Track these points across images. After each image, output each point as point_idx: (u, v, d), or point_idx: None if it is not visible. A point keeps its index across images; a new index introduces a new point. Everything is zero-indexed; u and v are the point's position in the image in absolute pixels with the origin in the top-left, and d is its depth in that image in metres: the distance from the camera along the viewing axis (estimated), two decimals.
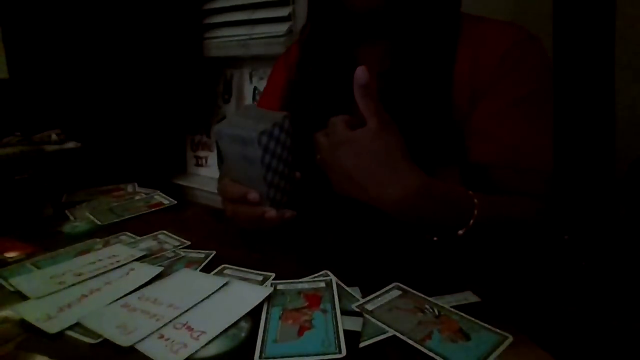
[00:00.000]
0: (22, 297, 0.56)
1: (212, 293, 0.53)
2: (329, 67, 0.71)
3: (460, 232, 0.56)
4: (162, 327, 0.47)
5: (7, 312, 0.53)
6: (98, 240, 0.74)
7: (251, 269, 0.60)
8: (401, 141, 0.54)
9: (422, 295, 0.52)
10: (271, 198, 0.62)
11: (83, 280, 0.58)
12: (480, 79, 0.63)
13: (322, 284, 0.55)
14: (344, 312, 0.49)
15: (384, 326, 0.46)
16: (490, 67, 0.63)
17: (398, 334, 0.45)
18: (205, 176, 1.63)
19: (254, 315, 0.49)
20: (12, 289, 0.58)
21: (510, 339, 0.44)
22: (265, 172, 0.59)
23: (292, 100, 0.75)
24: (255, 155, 0.58)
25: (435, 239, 0.58)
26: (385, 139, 0.52)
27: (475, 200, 0.56)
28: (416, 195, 0.52)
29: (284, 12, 1.28)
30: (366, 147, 0.52)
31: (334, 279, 0.55)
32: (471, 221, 0.55)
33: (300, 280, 0.56)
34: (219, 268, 0.61)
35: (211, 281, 0.56)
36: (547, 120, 0.60)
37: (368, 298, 0.52)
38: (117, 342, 0.45)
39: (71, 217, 0.87)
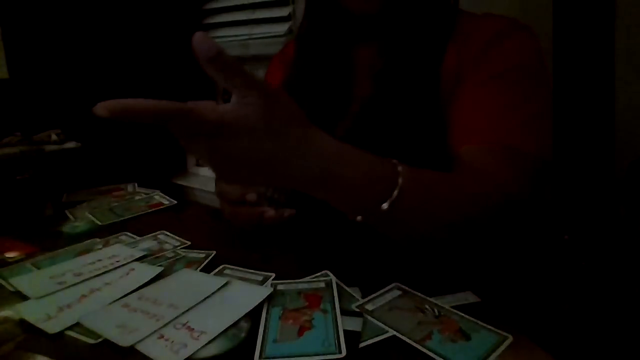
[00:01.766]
0: (22, 297, 0.56)
1: (212, 293, 0.53)
2: (325, 66, 0.71)
3: (385, 205, 0.47)
4: (162, 327, 0.47)
5: (7, 312, 0.53)
6: (98, 240, 0.74)
7: (251, 269, 0.60)
8: (295, 106, 0.44)
9: (422, 295, 0.52)
10: (269, 197, 0.62)
11: (83, 280, 0.58)
12: (464, 66, 0.63)
13: (322, 284, 0.55)
14: (344, 312, 0.49)
15: (384, 326, 0.46)
16: (473, 54, 0.63)
17: (398, 334, 0.45)
18: (205, 176, 1.63)
19: (254, 315, 0.49)
20: (12, 289, 0.58)
21: (510, 339, 0.43)
22: None
23: None
24: None
25: (359, 218, 0.50)
26: (281, 110, 0.42)
27: (399, 168, 0.48)
28: (330, 162, 0.44)
29: (284, 12, 1.28)
30: (259, 129, 0.40)
31: (334, 279, 0.55)
32: (395, 192, 0.47)
33: (300, 280, 0.56)
34: (219, 268, 0.61)
35: (211, 281, 0.56)
36: (521, 98, 0.60)
37: (368, 298, 0.52)
38: (117, 342, 0.45)
39: (71, 217, 0.87)
